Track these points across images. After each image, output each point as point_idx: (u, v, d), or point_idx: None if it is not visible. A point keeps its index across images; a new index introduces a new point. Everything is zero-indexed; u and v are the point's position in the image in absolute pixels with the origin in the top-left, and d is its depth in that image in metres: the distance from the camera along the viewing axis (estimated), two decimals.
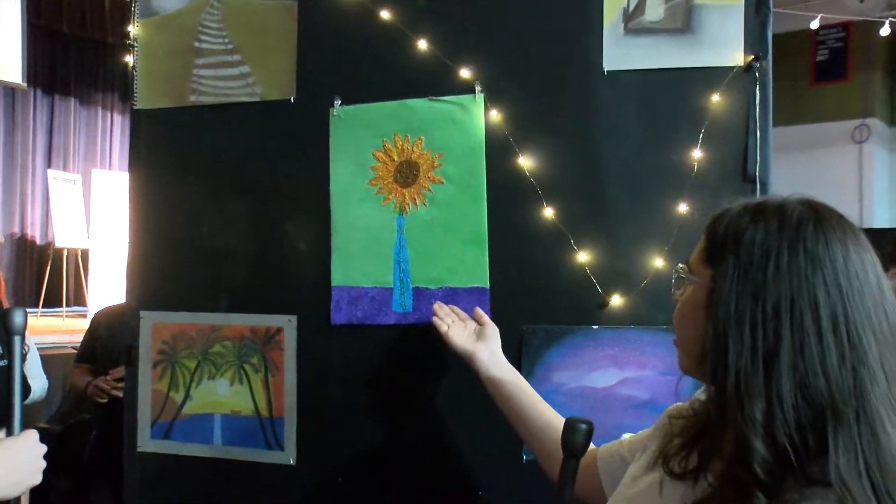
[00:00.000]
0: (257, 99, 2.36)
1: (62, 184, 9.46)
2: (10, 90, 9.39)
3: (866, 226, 10.24)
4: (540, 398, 1.84)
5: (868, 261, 1.14)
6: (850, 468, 1.04)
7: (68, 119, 10.38)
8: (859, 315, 1.09)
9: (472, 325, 2.03)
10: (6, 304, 4.19)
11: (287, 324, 2.30)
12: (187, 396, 2.40)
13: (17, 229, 10.32)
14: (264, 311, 2.33)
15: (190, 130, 2.43)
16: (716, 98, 2.03)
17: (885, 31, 9.62)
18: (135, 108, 2.50)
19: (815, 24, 9.72)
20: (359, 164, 2.25)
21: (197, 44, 2.42)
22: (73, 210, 9.53)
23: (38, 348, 4.82)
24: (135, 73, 2.50)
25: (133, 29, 2.50)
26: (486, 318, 2.03)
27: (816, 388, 1.06)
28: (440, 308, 2.06)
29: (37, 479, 1.70)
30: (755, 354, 1.10)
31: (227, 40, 2.39)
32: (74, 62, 9.81)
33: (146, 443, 2.45)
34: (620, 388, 2.08)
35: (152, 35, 2.49)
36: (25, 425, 1.76)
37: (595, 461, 1.59)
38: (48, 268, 9.87)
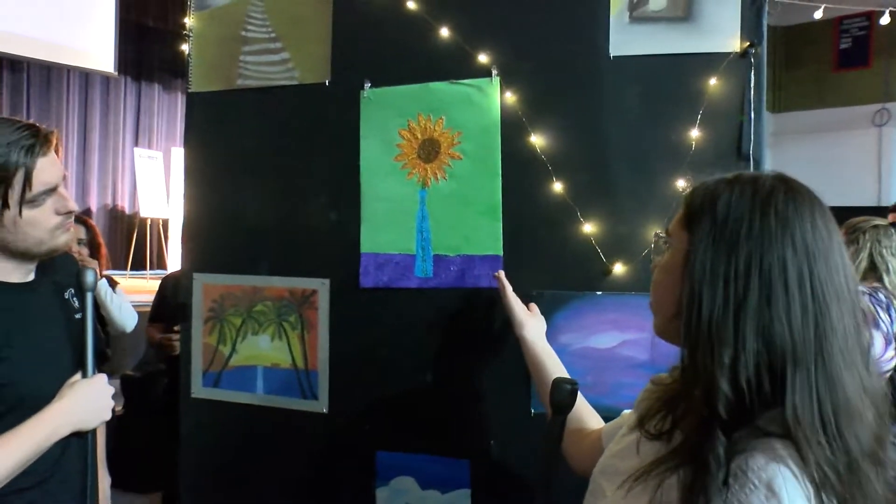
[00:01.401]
0: (296, 82, 2.37)
1: (146, 160, 9.60)
2: (104, 79, 9.54)
3: (884, 204, 10.02)
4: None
5: (833, 230, 1.15)
6: (805, 406, 1.06)
7: (152, 103, 10.51)
8: (823, 274, 1.10)
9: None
10: (104, 268, 4.27)
11: (321, 286, 2.32)
12: (233, 350, 2.43)
13: (109, 201, 10.49)
14: (301, 274, 2.35)
15: (236, 111, 2.45)
16: (713, 82, 1.99)
17: (884, 19, 9.33)
18: (189, 91, 2.53)
19: (818, 15, 9.44)
20: (386, 141, 2.25)
21: (243, 33, 2.43)
22: (156, 184, 9.67)
23: None
24: (189, 60, 2.52)
25: (189, 20, 2.52)
26: (537, 310, 2.02)
27: (781, 336, 1.08)
28: (502, 275, 2.04)
29: (106, 415, 1.75)
30: (727, 306, 1.11)
31: (269, 29, 2.40)
32: (158, 52, 9.91)
33: (199, 390, 2.49)
34: (621, 350, 2.06)
35: (205, 26, 2.50)
36: (116, 372, 1.80)
37: (600, 436, 1.58)
38: (135, 235, 10.05)
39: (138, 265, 10.07)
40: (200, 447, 2.50)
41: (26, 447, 1.58)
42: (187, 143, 2.54)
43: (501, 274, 2.03)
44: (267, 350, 2.39)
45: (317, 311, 2.32)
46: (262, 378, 2.40)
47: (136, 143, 10.24)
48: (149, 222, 10.05)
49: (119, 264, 10.13)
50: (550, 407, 1.54)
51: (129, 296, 4.72)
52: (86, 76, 9.45)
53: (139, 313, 6.29)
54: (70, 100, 9.53)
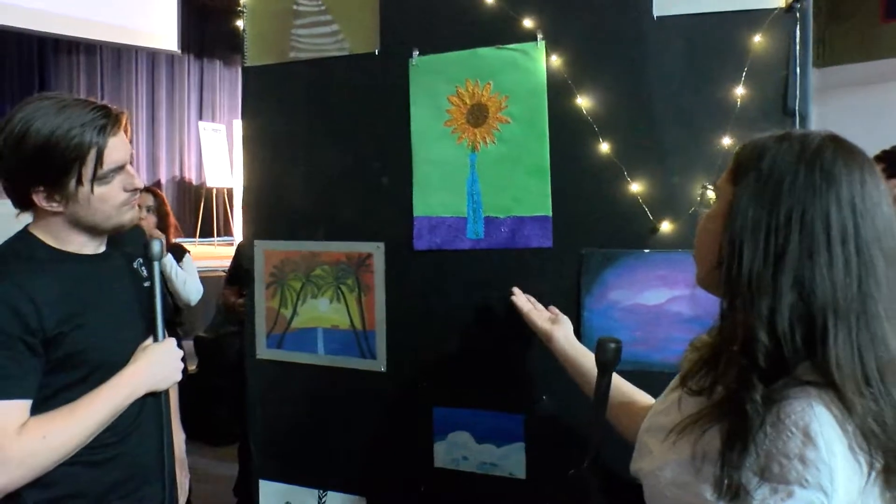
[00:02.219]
0: (346, 53, 2.33)
1: (211, 133, 9.67)
2: (169, 57, 9.64)
3: None
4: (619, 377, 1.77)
5: (883, 191, 1.11)
6: (847, 359, 1.03)
7: (214, 78, 10.56)
8: (869, 233, 1.07)
9: (546, 313, 1.99)
10: (173, 238, 4.33)
11: (376, 250, 2.30)
12: (294, 313, 2.43)
13: (177, 173, 10.62)
14: (356, 238, 2.33)
15: (290, 83, 2.42)
16: (758, 38, 1.90)
17: None
18: (245, 65, 2.51)
19: None
20: (435, 107, 2.21)
21: (295, 6, 2.39)
22: (220, 155, 9.75)
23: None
24: (244, 35, 2.50)
25: None
26: (558, 311, 2.00)
27: (822, 290, 1.05)
28: (518, 296, 2.03)
29: (177, 376, 1.81)
30: (766, 257, 1.08)
31: (319, 2, 2.35)
32: (218, 29, 9.92)
33: (263, 351, 2.50)
34: (669, 306, 2.01)
35: (258, 1, 2.47)
36: (188, 334, 1.84)
37: (648, 412, 1.55)
38: (202, 204, 10.16)
39: (206, 233, 10.20)
40: (266, 405, 2.52)
41: (108, 407, 1.65)
42: (244, 115, 2.52)
43: (516, 296, 2.03)
44: (326, 312, 2.38)
45: (373, 273, 2.30)
46: (323, 339, 2.40)
47: (200, 118, 10.32)
48: (214, 192, 10.15)
49: (188, 232, 10.29)
50: (597, 365, 1.52)
51: (197, 262, 4.78)
52: (152, 56, 9.58)
53: (208, 278, 6.39)
54: (138, 79, 9.65)
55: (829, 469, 0.98)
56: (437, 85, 2.20)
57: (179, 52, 8.83)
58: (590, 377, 1.69)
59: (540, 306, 2.02)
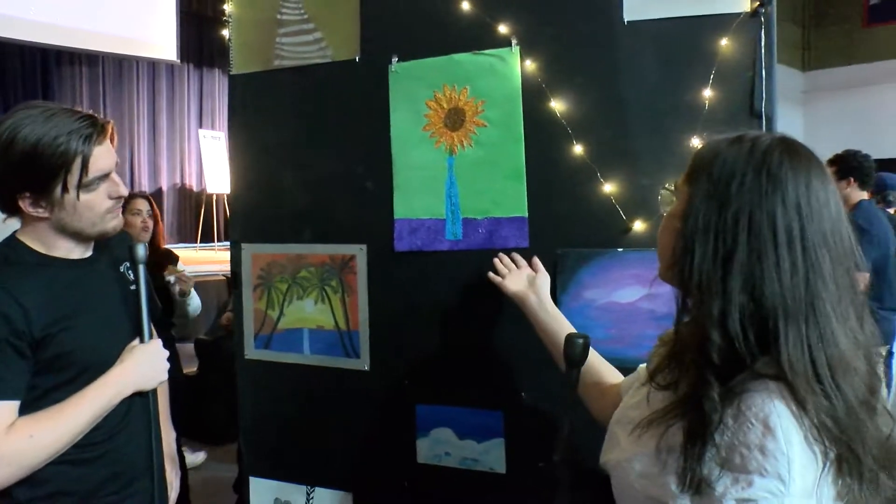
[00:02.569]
0: (329, 60, 2.34)
1: (210, 140, 9.66)
2: (169, 67, 9.65)
3: None
4: (593, 351, 1.76)
5: (831, 191, 1.11)
6: (798, 358, 1.04)
7: (213, 86, 10.53)
8: (815, 234, 1.07)
9: (526, 271, 2.00)
10: (164, 242, 4.34)
11: (359, 252, 2.31)
12: (281, 314, 2.44)
13: (178, 180, 10.62)
14: (340, 241, 2.34)
15: (275, 90, 2.43)
16: (725, 42, 1.91)
17: None
18: (231, 73, 2.51)
19: None
20: (414, 112, 2.21)
21: (279, 16, 2.40)
22: (220, 162, 9.74)
23: (197, 276, 5.01)
24: (230, 44, 2.50)
25: (228, 6, 2.50)
26: (540, 266, 2.00)
27: (770, 290, 1.05)
28: (501, 259, 2.04)
29: (163, 376, 1.81)
30: (715, 258, 1.09)
31: (302, 11, 2.37)
32: (216, 39, 9.93)
33: (251, 352, 2.51)
34: (643, 303, 2.02)
35: (243, 10, 2.48)
36: (188, 338, 1.85)
37: (619, 389, 1.56)
38: (202, 210, 10.16)
39: (206, 238, 10.20)
40: (255, 403, 2.53)
41: (95, 406, 1.66)
42: (231, 122, 2.53)
43: (496, 261, 2.04)
44: (312, 313, 2.39)
45: (356, 275, 2.31)
46: (308, 339, 2.40)
47: (200, 125, 10.33)
48: (214, 198, 10.14)
49: (189, 237, 10.29)
50: (565, 361, 1.53)
51: (199, 266, 4.79)
52: (153, 66, 9.58)
53: (208, 282, 6.40)
54: (140, 88, 9.66)
55: (787, 459, 1.00)
56: (415, 90, 2.21)
57: (179, 61, 8.85)
58: (557, 343, 1.70)
59: (523, 262, 2.03)
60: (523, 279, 1.97)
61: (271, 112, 2.44)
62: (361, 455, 2.37)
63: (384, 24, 2.26)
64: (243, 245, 2.49)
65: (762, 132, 1.18)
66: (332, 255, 2.34)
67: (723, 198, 1.10)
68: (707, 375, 1.07)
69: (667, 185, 1.31)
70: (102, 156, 1.68)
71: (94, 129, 1.66)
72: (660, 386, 1.20)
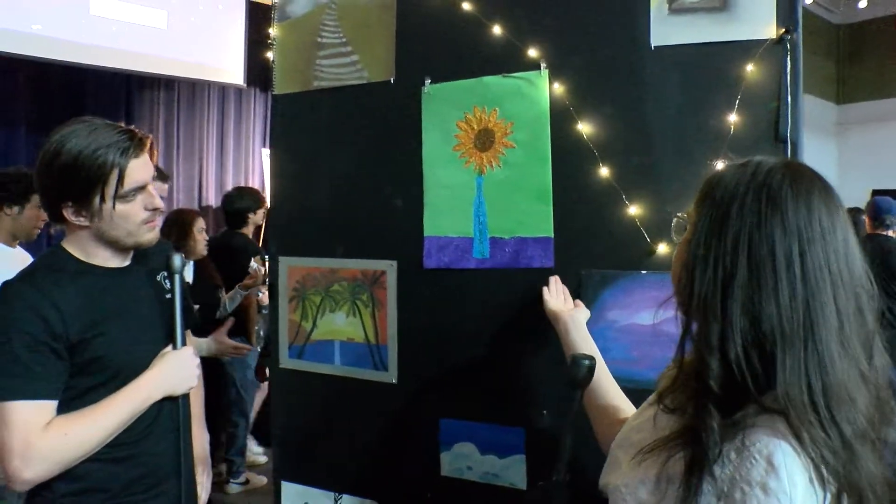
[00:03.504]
0: (364, 81, 2.27)
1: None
2: (237, 91, 9.76)
3: None
4: (608, 375, 1.66)
5: (836, 215, 1.01)
6: (794, 385, 0.94)
7: None
8: (816, 258, 0.97)
9: (570, 302, 1.89)
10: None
11: (389, 267, 2.22)
12: (314, 326, 2.36)
13: None
14: (371, 256, 2.26)
15: (314, 110, 2.37)
16: (750, 68, 1.79)
17: (862, 3, 8.66)
18: (273, 93, 2.46)
19: (863, 4, 8.80)
20: (445, 132, 2.13)
21: (319, 39, 2.34)
22: None
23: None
24: (273, 66, 2.45)
25: (272, 30, 2.45)
26: (581, 304, 1.89)
27: (768, 315, 0.95)
28: (556, 283, 1.93)
29: (193, 382, 1.78)
30: (715, 283, 1.00)
31: (341, 35, 2.30)
32: None
33: (285, 361, 2.43)
34: (664, 326, 1.86)
35: (286, 35, 2.43)
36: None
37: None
38: (265, 223, 10.21)
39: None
40: (288, 411, 2.45)
41: (126, 409, 1.65)
42: (273, 140, 2.48)
43: (549, 282, 1.92)
44: (343, 326, 2.31)
45: (386, 290, 2.22)
46: (339, 351, 2.32)
47: (264, 145, 10.41)
48: (267, 223, 10.14)
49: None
50: (568, 383, 1.42)
51: None
52: (222, 90, 9.69)
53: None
54: (210, 111, 9.77)
55: (790, 499, 0.90)
56: (447, 111, 2.12)
57: (245, 85, 8.97)
58: None
59: (569, 296, 1.91)
60: (563, 304, 1.86)
61: (310, 131, 2.38)
62: (387, 465, 2.28)
63: (418, 48, 2.18)
64: (280, 258, 2.42)
65: (770, 157, 1.07)
66: (364, 270, 2.26)
67: (723, 222, 1.01)
68: (707, 405, 0.98)
69: (679, 214, 1.20)
70: (139, 168, 1.67)
71: (132, 143, 1.66)
72: (668, 409, 1.10)
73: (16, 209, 3.24)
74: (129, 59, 7.63)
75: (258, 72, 9.35)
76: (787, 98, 1.77)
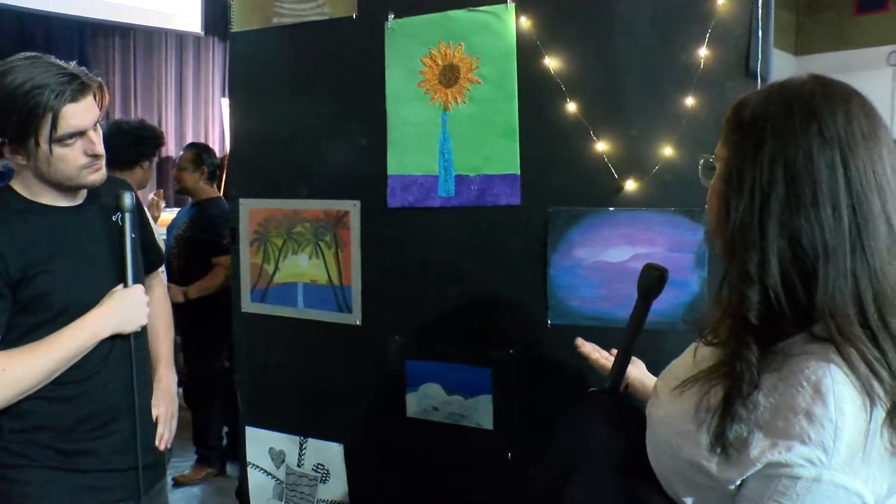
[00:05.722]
0: (326, 17, 2.17)
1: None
2: (195, 39, 9.51)
3: None
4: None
5: (875, 121, 0.94)
6: (839, 293, 0.88)
7: None
8: (860, 164, 0.90)
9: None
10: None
11: (353, 207, 2.16)
12: (276, 268, 2.30)
13: None
14: (334, 196, 2.19)
15: (273, 48, 2.27)
16: (721, 1, 1.74)
17: None
18: (231, 31, 2.34)
19: None
20: (409, 69, 2.05)
21: None
22: None
23: None
24: (231, 2, 2.34)
25: None
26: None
27: (808, 232, 0.89)
28: (583, 345, 1.62)
29: (142, 320, 1.71)
30: (752, 208, 0.93)
31: None
32: None
33: (248, 305, 2.37)
34: (632, 263, 1.86)
35: None
36: None
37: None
38: (224, 173, 10.03)
39: (227, 198, 10.07)
40: (251, 356, 2.39)
41: (71, 345, 1.59)
42: (231, 80, 2.39)
43: (581, 346, 1.62)
44: (306, 268, 2.25)
45: (349, 230, 2.16)
46: (303, 293, 2.26)
47: (223, 94, 10.18)
48: (226, 164, 9.96)
49: None
50: (638, 290, 1.36)
51: None
52: (180, 38, 9.43)
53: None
54: (168, 60, 9.52)
55: (835, 427, 0.85)
56: (411, 47, 2.04)
57: (203, 34, 8.74)
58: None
59: (605, 353, 1.62)
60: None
61: (270, 69, 2.28)
62: (353, 408, 2.24)
63: None
64: (241, 200, 2.34)
65: (795, 76, 0.99)
66: (327, 211, 2.19)
67: (756, 143, 0.94)
68: (745, 338, 0.93)
69: (705, 155, 1.12)
70: (77, 114, 1.57)
71: (71, 86, 1.56)
72: (708, 342, 1.04)
73: None
74: (82, 4, 7.38)
75: (216, 21, 9.13)
76: (757, 32, 1.72)
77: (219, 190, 4.13)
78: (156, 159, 3.54)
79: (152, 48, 9.18)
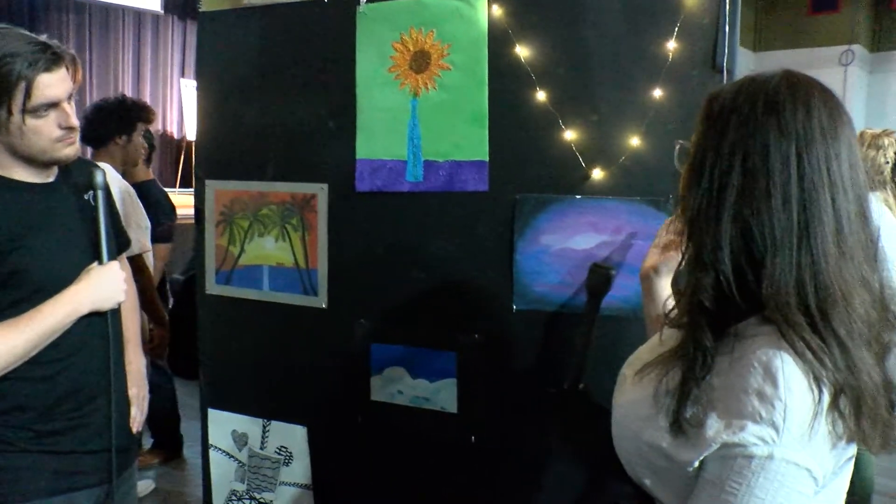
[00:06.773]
0: (297, 0, 2.16)
1: (191, 90, 9.33)
2: (154, 18, 9.32)
3: None
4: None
5: (838, 119, 0.96)
6: (783, 287, 0.92)
7: (195, 38, 10.08)
8: (815, 160, 0.93)
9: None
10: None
11: (320, 191, 2.15)
12: (242, 250, 2.28)
13: (160, 127, 10.26)
14: (302, 179, 2.18)
15: (243, 29, 2.24)
16: None
17: None
18: (200, 10, 2.32)
19: None
20: (380, 54, 2.05)
21: None
22: None
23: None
24: None
25: None
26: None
27: (759, 222, 0.93)
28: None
29: (119, 297, 1.69)
30: (710, 196, 0.97)
31: None
32: None
33: (212, 287, 2.35)
34: (598, 250, 1.89)
35: None
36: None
37: None
38: (182, 156, 9.87)
39: (186, 183, 9.90)
40: (215, 338, 2.38)
41: (47, 323, 1.56)
42: (199, 60, 2.35)
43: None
44: (272, 250, 2.24)
45: (316, 214, 2.16)
46: (268, 276, 2.25)
47: (182, 75, 10.01)
48: (194, 145, 9.83)
49: (169, 182, 10.00)
50: (586, 290, 1.39)
51: (179, 210, 4.56)
52: (138, 16, 9.23)
53: (188, 224, 6.19)
54: (125, 38, 9.31)
55: (784, 406, 0.88)
56: (382, 32, 2.04)
57: (163, 12, 8.54)
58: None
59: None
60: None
61: (239, 51, 2.26)
62: (317, 391, 2.24)
63: None
64: (207, 181, 2.32)
65: (768, 71, 1.02)
66: (294, 194, 2.19)
67: (720, 133, 0.97)
68: (699, 320, 0.97)
69: (682, 141, 1.15)
70: (52, 84, 1.55)
71: (44, 56, 1.53)
72: (672, 323, 1.07)
73: None
74: None
75: None
76: (724, 27, 1.76)
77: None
78: (140, 134, 3.44)
79: (109, 26, 8.97)
